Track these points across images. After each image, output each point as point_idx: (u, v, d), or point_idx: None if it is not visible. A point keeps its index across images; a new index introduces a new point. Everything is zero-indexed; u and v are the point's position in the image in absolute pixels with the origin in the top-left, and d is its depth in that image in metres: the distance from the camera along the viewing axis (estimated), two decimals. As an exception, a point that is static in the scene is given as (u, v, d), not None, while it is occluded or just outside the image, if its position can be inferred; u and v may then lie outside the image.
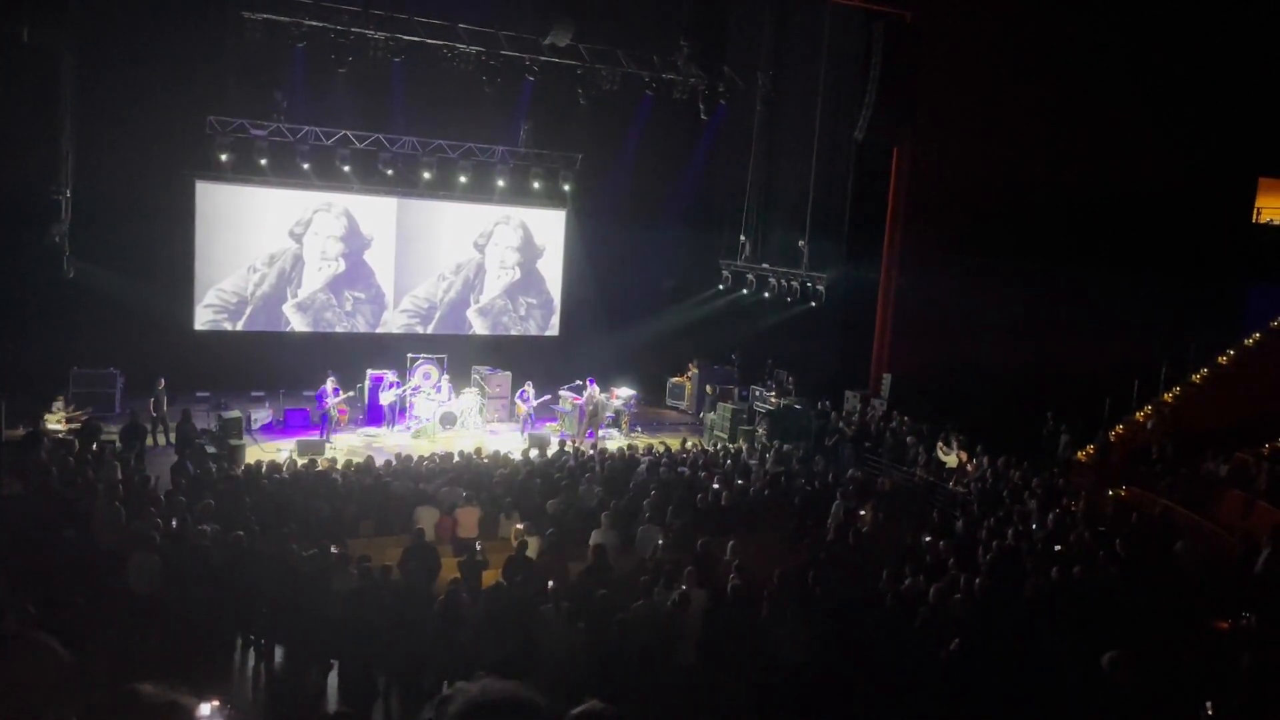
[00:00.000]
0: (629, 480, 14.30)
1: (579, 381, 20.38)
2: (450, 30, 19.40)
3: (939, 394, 18.86)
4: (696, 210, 24.34)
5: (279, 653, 9.59)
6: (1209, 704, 7.36)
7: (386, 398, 19.53)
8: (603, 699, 2.19)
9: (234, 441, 16.60)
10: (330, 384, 18.61)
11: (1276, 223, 23.59)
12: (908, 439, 18.01)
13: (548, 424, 20.51)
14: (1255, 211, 23.64)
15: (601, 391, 21.16)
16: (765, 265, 22.07)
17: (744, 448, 18.78)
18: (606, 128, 22.55)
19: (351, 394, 19.50)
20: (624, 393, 21.48)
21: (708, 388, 22.59)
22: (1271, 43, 19.91)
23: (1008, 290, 19.38)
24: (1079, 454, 17.54)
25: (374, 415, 19.79)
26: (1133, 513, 13.73)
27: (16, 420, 16.05)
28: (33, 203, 17.93)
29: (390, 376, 19.78)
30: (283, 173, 20.82)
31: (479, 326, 24.27)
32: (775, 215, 24.00)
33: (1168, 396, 18.23)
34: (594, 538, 11.15)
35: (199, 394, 19.30)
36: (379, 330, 23.08)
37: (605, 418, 20.21)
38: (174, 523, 10.62)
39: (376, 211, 22.67)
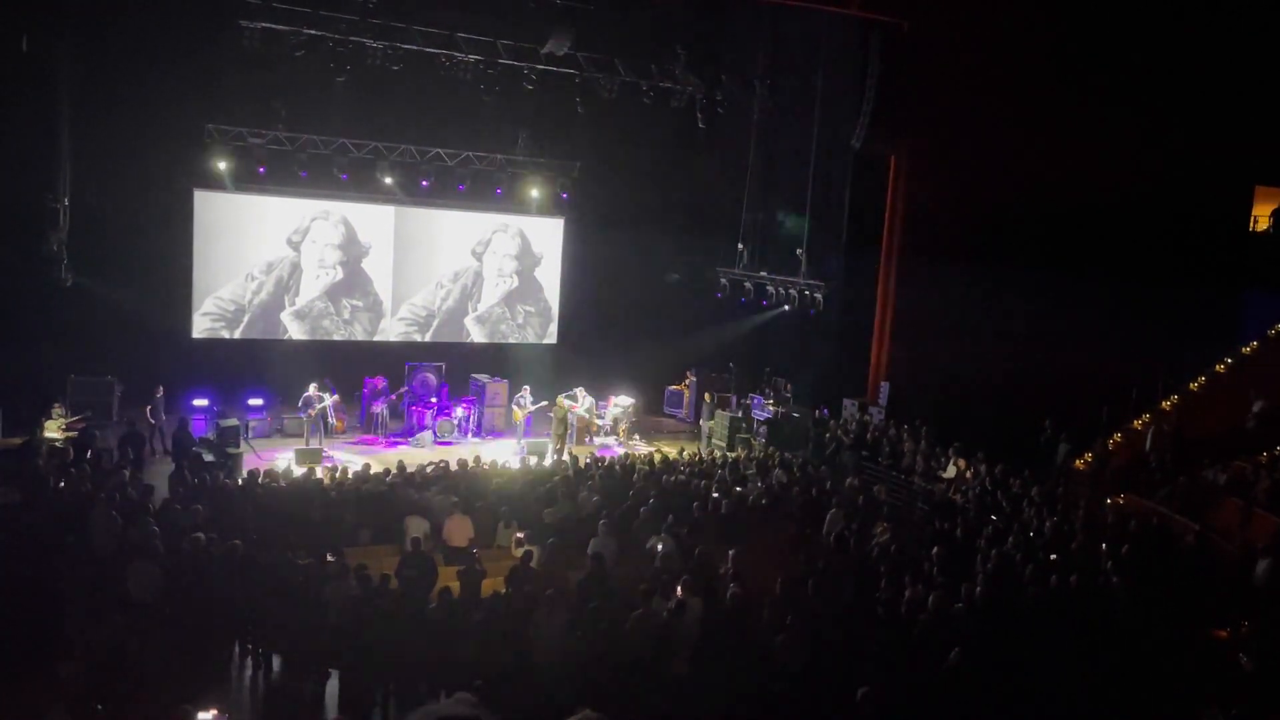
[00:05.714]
0: (627, 488, 14.26)
1: (574, 390, 20.36)
2: (449, 39, 19.43)
3: (937, 402, 18.86)
4: (694, 218, 24.34)
5: (276, 662, 9.56)
6: (1209, 711, 7.35)
7: (377, 406, 19.51)
8: (598, 708, 2.18)
9: (231, 450, 16.58)
10: (316, 389, 18.62)
11: (1272, 232, 23.61)
12: (906, 447, 18.00)
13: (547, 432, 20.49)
14: (1252, 220, 23.68)
15: (599, 400, 21.15)
16: (763, 273, 22.07)
17: (742, 456, 18.77)
18: (604, 136, 22.57)
19: (340, 399, 19.45)
20: (622, 400, 21.44)
21: (706, 395, 22.58)
22: (1267, 52, 19.96)
23: (1005, 299, 19.40)
24: (1077, 462, 17.56)
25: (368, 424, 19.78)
26: (1130, 521, 13.73)
27: (14, 428, 16.07)
28: (30, 211, 17.94)
29: (382, 384, 19.76)
30: (281, 181, 20.82)
31: (477, 334, 24.26)
32: (773, 223, 24.04)
33: (1166, 405, 18.23)
34: (592, 546, 11.11)
35: (196, 402, 19.27)
36: (377, 338, 23.05)
37: (582, 430, 20.07)
38: (171, 531, 10.58)
39: (374, 219, 22.67)
